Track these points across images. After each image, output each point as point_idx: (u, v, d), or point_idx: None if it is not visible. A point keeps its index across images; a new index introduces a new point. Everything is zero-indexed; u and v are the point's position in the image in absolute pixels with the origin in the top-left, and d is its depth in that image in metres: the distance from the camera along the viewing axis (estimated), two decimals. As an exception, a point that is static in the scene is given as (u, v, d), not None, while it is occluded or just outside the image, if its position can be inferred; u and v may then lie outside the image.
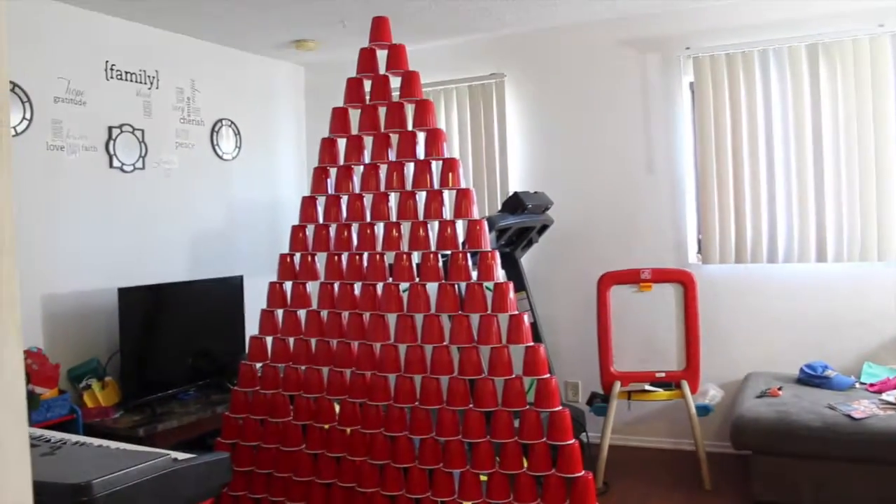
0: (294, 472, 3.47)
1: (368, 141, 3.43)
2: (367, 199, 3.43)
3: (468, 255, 3.17)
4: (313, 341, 3.50)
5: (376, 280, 3.34)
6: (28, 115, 3.89)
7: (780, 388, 4.07)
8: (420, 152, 3.29)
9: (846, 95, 4.31)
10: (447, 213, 3.24)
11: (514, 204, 4.38)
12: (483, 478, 3.13)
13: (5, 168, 1.51)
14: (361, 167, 3.45)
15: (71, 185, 4.13)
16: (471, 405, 3.12)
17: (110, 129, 4.34)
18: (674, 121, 4.81)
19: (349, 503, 3.36)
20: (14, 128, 3.77)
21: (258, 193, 5.44)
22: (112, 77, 4.36)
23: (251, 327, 4.14)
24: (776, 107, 4.47)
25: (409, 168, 3.33)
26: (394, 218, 3.34)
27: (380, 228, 3.38)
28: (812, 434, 3.59)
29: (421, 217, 3.27)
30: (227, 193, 5.18)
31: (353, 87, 3.45)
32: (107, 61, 4.34)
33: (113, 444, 2.60)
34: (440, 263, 3.23)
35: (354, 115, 3.45)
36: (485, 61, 5.25)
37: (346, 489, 3.37)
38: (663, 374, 4.31)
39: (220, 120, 5.10)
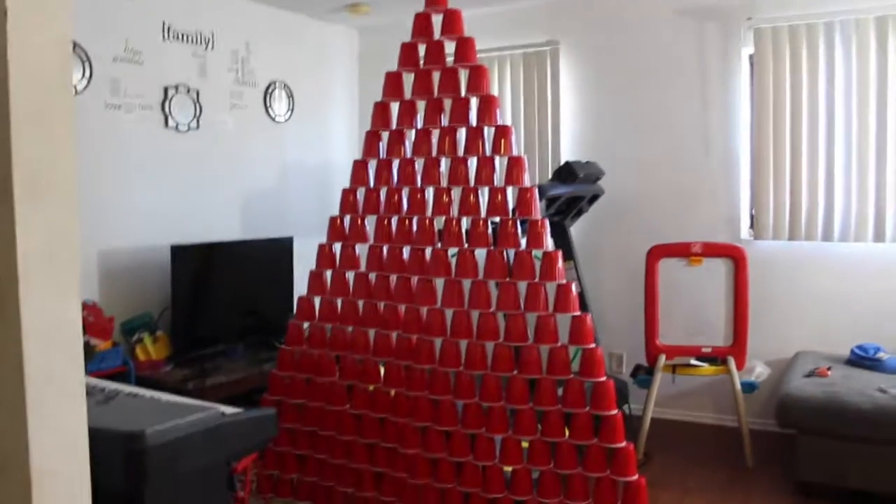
0: (337, 431, 3.53)
1: (421, 106, 3.42)
2: (419, 164, 3.43)
3: (518, 222, 3.16)
4: (360, 303, 3.53)
5: (425, 244, 3.35)
6: (87, 74, 3.96)
7: (829, 369, 4.00)
8: (473, 118, 3.27)
9: (914, 71, 4.17)
10: (498, 179, 3.23)
11: (566, 173, 4.35)
12: (524, 444, 3.15)
13: (69, 126, 1.55)
14: (413, 132, 3.45)
15: (127, 143, 4.20)
16: (515, 372, 3.13)
17: (166, 89, 4.39)
18: (731, 93, 4.71)
19: (391, 464, 3.41)
20: (74, 86, 3.84)
21: (310, 156, 5.48)
22: (169, 38, 4.41)
23: (300, 288, 4.20)
24: (839, 82, 4.35)
25: (461, 134, 3.32)
26: (444, 183, 3.34)
27: (430, 193, 3.39)
28: (862, 416, 3.52)
29: (472, 183, 3.26)
30: (279, 155, 5.22)
31: (408, 51, 3.43)
32: (164, 22, 4.39)
33: (164, 396, 2.67)
34: (489, 230, 3.23)
35: (408, 80, 3.45)
36: (540, 29, 5.19)
37: (389, 450, 3.42)
38: (709, 350, 4.27)
39: (274, 82, 5.14)
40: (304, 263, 4.39)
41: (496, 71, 5.26)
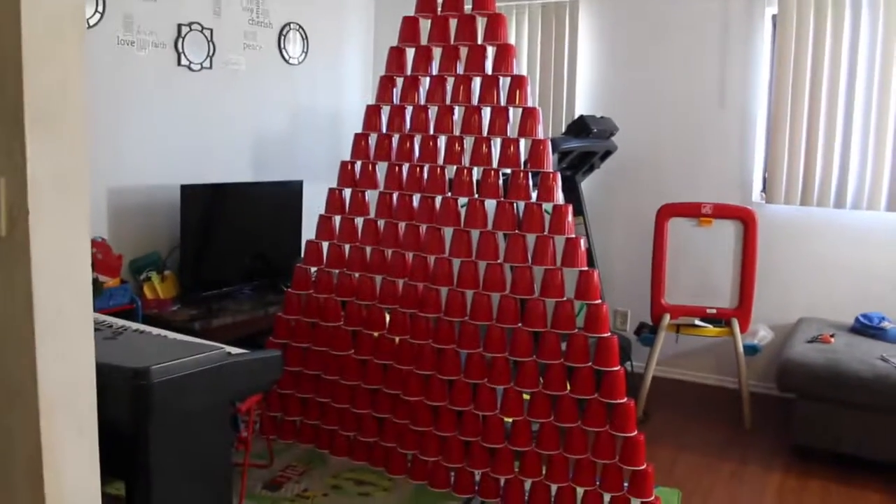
0: (341, 376, 3.56)
1: (437, 52, 3.38)
2: (432, 112, 3.40)
3: (529, 174, 3.15)
4: (368, 249, 3.53)
5: (435, 193, 3.34)
6: (100, 9, 3.91)
7: (832, 335, 4.01)
8: (488, 67, 3.24)
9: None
10: (511, 130, 3.21)
11: (579, 127, 4.31)
12: (526, 396, 3.17)
13: (79, 59, 1.53)
14: (428, 79, 3.41)
15: (139, 80, 4.17)
16: (520, 324, 3.14)
17: (179, 26, 4.34)
18: (751, 54, 4.63)
19: (393, 410, 3.45)
20: (87, 21, 3.80)
21: (322, 100, 5.44)
22: (184, -27, 4.35)
23: (308, 232, 4.20)
24: (863, 46, 4.26)
25: (476, 83, 3.28)
26: (457, 132, 3.31)
27: (442, 141, 3.36)
28: (861, 384, 3.54)
29: (485, 133, 3.24)
30: (292, 98, 5.18)
31: (426, -4, 3.38)
32: (179, -44, 4.32)
33: (171, 335, 2.70)
34: (500, 181, 3.21)
35: (424, 26, 3.40)
36: (560, -21, 5.09)
37: (391, 396, 3.45)
38: (714, 311, 4.28)
39: (289, 24, 5.07)
40: (313, 208, 4.40)
41: (514, 21, 5.18)
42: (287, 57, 5.09)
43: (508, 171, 3.18)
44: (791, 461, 3.77)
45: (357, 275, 3.56)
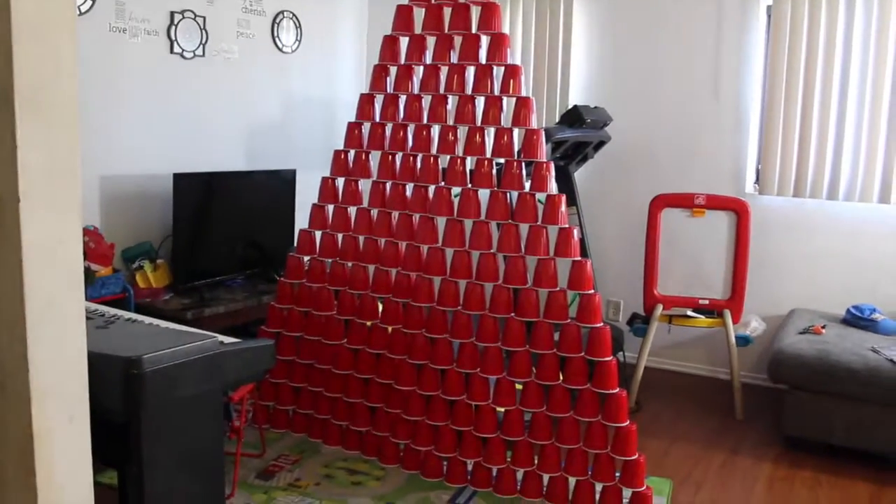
0: (334, 365, 3.56)
1: (431, 41, 3.37)
2: (426, 101, 3.39)
3: (522, 164, 3.14)
4: (361, 238, 3.53)
5: (428, 182, 3.34)
6: (93, -6, 3.88)
7: (823, 327, 4.02)
8: (482, 56, 3.23)
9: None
10: (505, 120, 3.20)
11: (573, 117, 4.31)
12: (518, 386, 3.18)
13: (71, 45, 1.52)
14: (422, 68, 3.40)
15: (131, 68, 4.14)
16: (513, 314, 3.15)
17: (172, 13, 4.31)
18: (745, 46, 4.63)
19: (385, 399, 3.45)
20: (78, 7, 3.77)
21: (316, 88, 5.42)
22: (177, -40, 4.32)
23: (301, 221, 4.19)
24: (857, 39, 4.26)
25: (470, 72, 3.28)
26: (451, 121, 3.31)
27: (436, 131, 3.36)
28: (852, 375, 3.55)
29: (478, 122, 3.23)
30: (285, 87, 5.16)
31: (420, -16, 3.37)
32: (172, -57, 4.29)
33: (163, 324, 2.69)
34: (494, 171, 3.21)
35: (418, 15, 3.39)
36: (554, -31, 5.08)
37: (384, 385, 3.46)
38: (706, 302, 4.29)
39: (282, 12, 5.05)
40: (306, 197, 4.39)
41: (508, 10, 5.17)
42: (280, 45, 5.07)
43: (502, 160, 3.18)
44: (782, 452, 3.79)
45: (350, 264, 3.55)
